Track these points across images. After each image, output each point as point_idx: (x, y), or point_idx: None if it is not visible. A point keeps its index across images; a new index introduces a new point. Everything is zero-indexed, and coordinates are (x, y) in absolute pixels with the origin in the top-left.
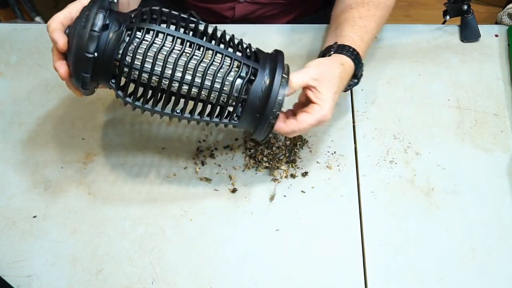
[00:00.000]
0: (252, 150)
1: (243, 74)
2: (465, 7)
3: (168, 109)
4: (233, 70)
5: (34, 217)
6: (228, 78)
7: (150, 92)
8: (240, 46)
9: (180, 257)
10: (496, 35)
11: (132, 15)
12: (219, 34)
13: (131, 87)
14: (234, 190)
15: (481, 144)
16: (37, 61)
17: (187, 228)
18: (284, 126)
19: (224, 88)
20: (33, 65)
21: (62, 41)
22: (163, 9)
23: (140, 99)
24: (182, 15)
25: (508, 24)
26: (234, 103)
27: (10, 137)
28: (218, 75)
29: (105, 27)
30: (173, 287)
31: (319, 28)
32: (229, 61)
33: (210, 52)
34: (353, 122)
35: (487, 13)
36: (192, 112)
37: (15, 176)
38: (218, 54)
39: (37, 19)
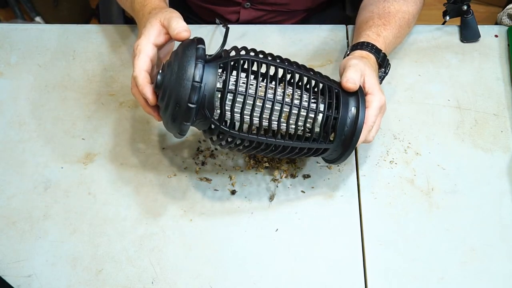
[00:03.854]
0: None
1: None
2: (465, 7)
3: (264, 147)
4: (319, 110)
5: None
6: (318, 117)
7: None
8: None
9: (180, 257)
10: (496, 36)
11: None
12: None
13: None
14: (234, 191)
15: (481, 144)
16: (37, 61)
17: (187, 228)
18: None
19: (316, 127)
20: (33, 65)
21: (153, 98)
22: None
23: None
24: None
25: (508, 24)
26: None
27: (10, 137)
28: (308, 119)
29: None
30: (173, 287)
31: (320, 28)
32: (314, 106)
33: (297, 101)
34: None
35: (487, 13)
36: (284, 150)
37: (15, 176)
38: (304, 99)
39: (37, 19)
